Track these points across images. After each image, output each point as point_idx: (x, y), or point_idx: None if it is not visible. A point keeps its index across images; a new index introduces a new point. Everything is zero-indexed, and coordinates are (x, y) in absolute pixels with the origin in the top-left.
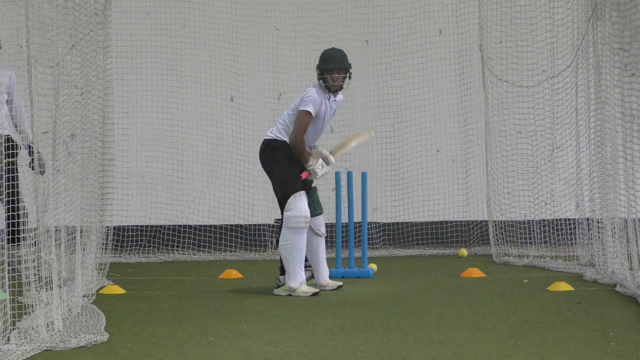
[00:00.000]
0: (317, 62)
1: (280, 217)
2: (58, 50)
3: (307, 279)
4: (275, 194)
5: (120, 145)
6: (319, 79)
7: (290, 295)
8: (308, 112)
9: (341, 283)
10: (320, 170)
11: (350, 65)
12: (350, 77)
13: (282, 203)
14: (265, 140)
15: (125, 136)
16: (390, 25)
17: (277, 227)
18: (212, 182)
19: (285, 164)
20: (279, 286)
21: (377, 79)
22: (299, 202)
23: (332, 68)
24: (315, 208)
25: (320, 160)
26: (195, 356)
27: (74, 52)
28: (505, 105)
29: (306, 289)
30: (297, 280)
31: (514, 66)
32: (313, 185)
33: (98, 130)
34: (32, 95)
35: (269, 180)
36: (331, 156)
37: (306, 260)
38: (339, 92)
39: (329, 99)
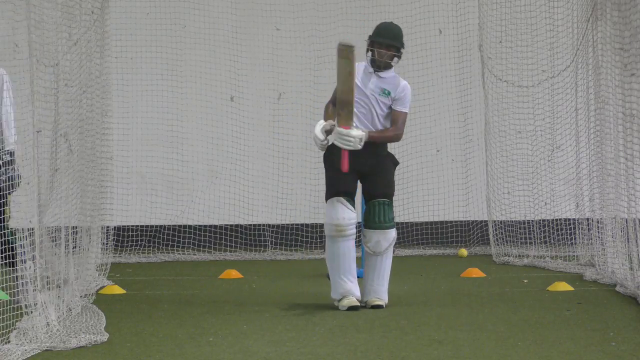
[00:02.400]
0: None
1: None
2: (58, 49)
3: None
4: None
5: (120, 145)
6: (367, 50)
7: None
8: None
9: (381, 303)
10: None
11: (402, 44)
12: (400, 58)
13: None
14: None
15: (125, 136)
16: None
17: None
18: (212, 182)
19: (327, 170)
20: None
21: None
22: (330, 209)
23: (378, 41)
24: (368, 220)
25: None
26: (195, 356)
27: (73, 50)
28: (505, 105)
29: (346, 303)
30: (336, 291)
31: (514, 66)
32: (377, 193)
33: (96, 129)
34: (33, 94)
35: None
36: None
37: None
38: (388, 72)
39: (372, 73)
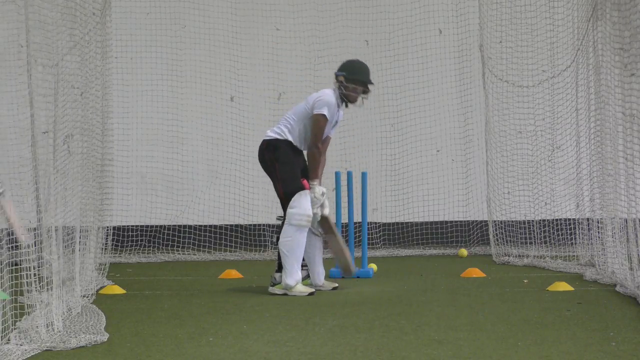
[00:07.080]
0: (339, 70)
1: (281, 214)
2: (58, 50)
3: (303, 279)
4: (277, 192)
5: (120, 145)
6: (341, 86)
7: (285, 294)
8: (324, 116)
9: (337, 284)
10: (319, 194)
11: (372, 82)
12: (367, 95)
13: (285, 201)
14: (265, 140)
15: (125, 136)
16: (390, 25)
17: (279, 224)
18: (212, 182)
19: (287, 162)
20: (274, 284)
21: (377, 79)
22: (304, 200)
23: (361, 80)
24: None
25: (324, 189)
26: (195, 356)
27: (74, 52)
28: (505, 105)
29: (302, 289)
30: (294, 278)
31: (514, 66)
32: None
33: (97, 130)
34: (32, 95)
35: (269, 180)
36: (326, 206)
37: (303, 260)
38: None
39: (339, 108)
